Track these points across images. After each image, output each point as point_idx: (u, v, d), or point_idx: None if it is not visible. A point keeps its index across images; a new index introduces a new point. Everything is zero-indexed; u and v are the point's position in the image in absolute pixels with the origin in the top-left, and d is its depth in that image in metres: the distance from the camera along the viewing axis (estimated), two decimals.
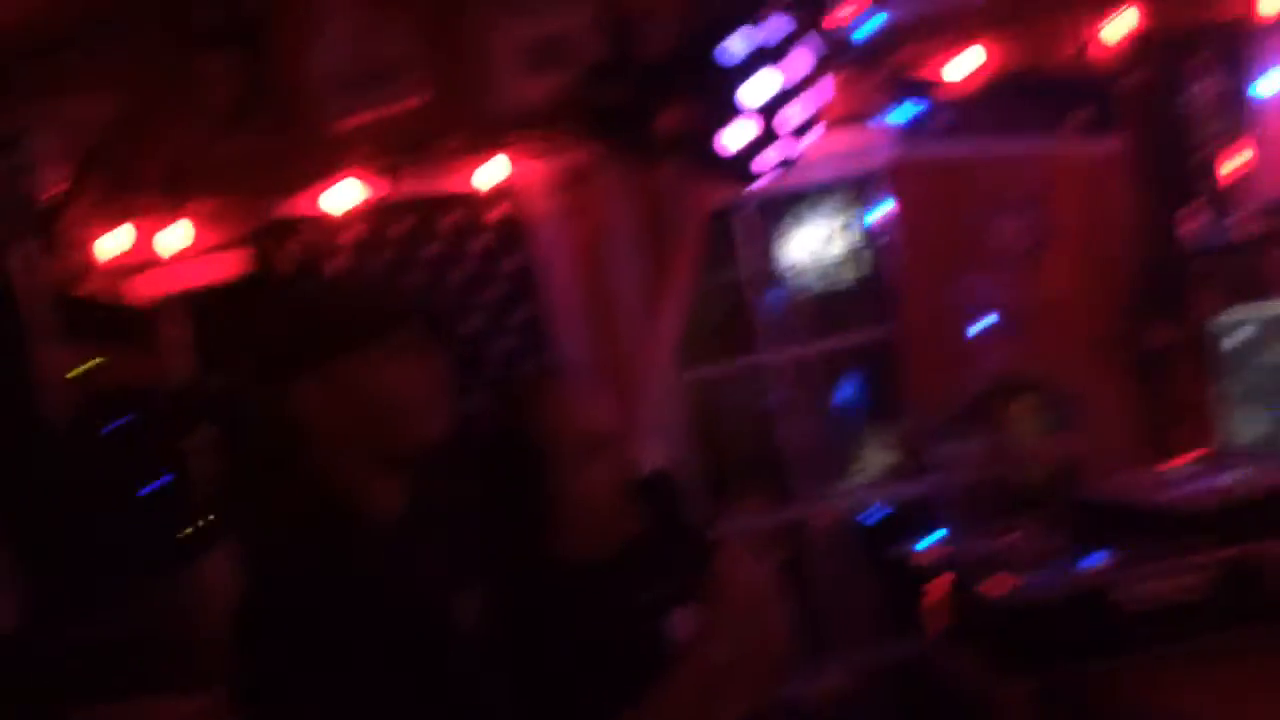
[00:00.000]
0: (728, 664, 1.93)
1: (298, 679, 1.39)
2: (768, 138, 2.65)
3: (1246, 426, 2.48)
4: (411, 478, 1.69)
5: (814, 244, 3.81)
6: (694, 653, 1.96)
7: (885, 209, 3.31)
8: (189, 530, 2.89)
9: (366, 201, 3.08)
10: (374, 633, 1.45)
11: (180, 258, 3.09)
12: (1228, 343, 2.55)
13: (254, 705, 1.44)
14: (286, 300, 1.95)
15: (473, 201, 3.15)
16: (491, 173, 3.10)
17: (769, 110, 2.61)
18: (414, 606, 1.57)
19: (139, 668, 2.83)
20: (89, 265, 3.00)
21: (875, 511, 3.39)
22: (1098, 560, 2.09)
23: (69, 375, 2.56)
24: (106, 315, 2.97)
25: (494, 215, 3.15)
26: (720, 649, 1.93)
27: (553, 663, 1.82)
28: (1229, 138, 2.84)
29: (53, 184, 2.81)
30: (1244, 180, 2.71)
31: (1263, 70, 2.54)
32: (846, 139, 3.20)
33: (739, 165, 2.70)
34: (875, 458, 3.70)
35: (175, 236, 3.06)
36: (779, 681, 2.17)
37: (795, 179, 3.13)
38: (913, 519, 3.36)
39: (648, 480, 2.19)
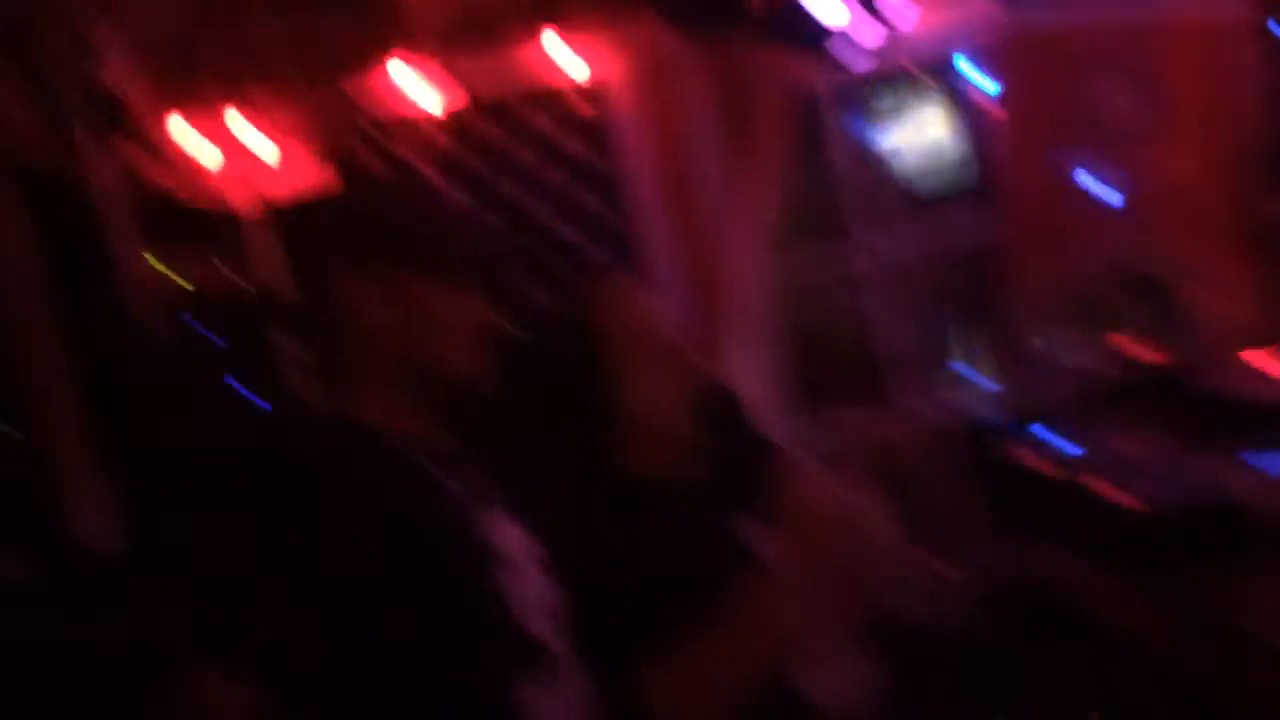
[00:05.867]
0: (803, 588, 1.83)
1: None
2: (865, 12, 2.50)
3: None
4: (441, 408, 1.66)
5: (914, 129, 3.62)
6: (768, 578, 1.85)
7: (990, 88, 3.12)
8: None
9: (451, 105, 2.99)
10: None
11: (269, 162, 3.05)
12: None
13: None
14: (365, 208, 1.89)
15: (558, 102, 3.03)
16: (574, 67, 2.98)
17: None
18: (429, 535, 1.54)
19: None
20: (173, 165, 2.98)
21: (981, 412, 3.27)
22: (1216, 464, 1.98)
23: (158, 276, 2.53)
24: (194, 217, 2.94)
25: (579, 115, 3.04)
26: (794, 574, 1.83)
27: (617, 584, 1.76)
28: None
29: (124, 80, 2.75)
30: None
31: None
32: (947, 14, 3.01)
33: (834, 43, 2.57)
34: (979, 356, 3.56)
35: (263, 142, 3.01)
36: (877, 597, 2.09)
37: (895, 58, 2.98)
38: (1021, 419, 3.24)
39: (712, 394, 2.09)
